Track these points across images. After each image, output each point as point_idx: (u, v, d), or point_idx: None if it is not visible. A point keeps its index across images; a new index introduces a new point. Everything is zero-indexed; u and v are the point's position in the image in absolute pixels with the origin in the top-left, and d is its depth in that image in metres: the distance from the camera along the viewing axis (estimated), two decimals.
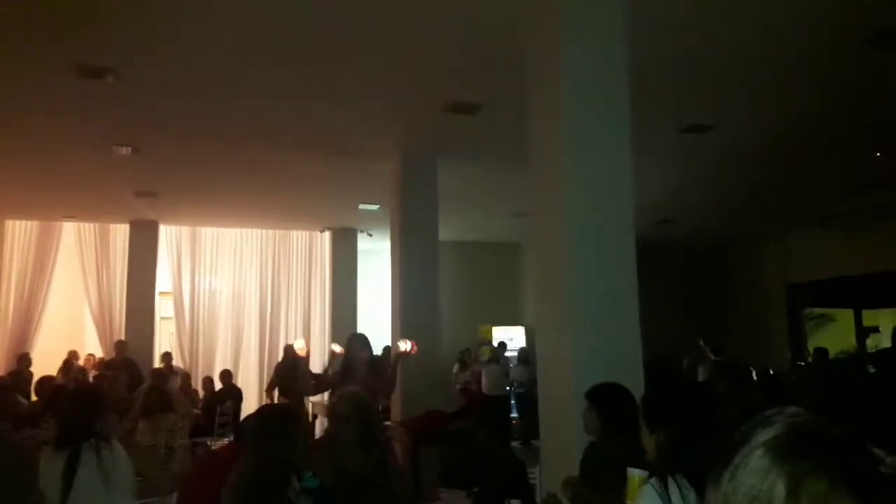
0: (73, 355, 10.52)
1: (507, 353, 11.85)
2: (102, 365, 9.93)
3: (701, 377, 8.94)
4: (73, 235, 11.36)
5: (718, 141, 7.07)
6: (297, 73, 5.50)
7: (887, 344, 8.19)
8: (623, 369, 3.42)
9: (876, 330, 11.25)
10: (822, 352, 9.45)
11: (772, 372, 8.29)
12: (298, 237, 12.72)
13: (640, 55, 3.99)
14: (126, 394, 7.74)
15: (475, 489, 3.27)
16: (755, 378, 5.08)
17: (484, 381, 10.99)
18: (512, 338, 12.83)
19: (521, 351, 11.72)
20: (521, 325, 13.18)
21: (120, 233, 11.49)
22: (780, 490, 0.73)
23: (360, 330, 11.80)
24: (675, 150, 7.44)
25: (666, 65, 5.24)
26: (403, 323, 7.65)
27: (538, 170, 4.13)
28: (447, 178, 7.89)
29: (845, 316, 11.85)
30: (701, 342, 9.43)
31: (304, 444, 2.88)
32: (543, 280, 4.02)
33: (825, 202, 9.75)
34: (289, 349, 9.52)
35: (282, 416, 2.96)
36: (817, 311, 12.31)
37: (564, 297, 3.72)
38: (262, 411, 3.23)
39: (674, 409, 2.29)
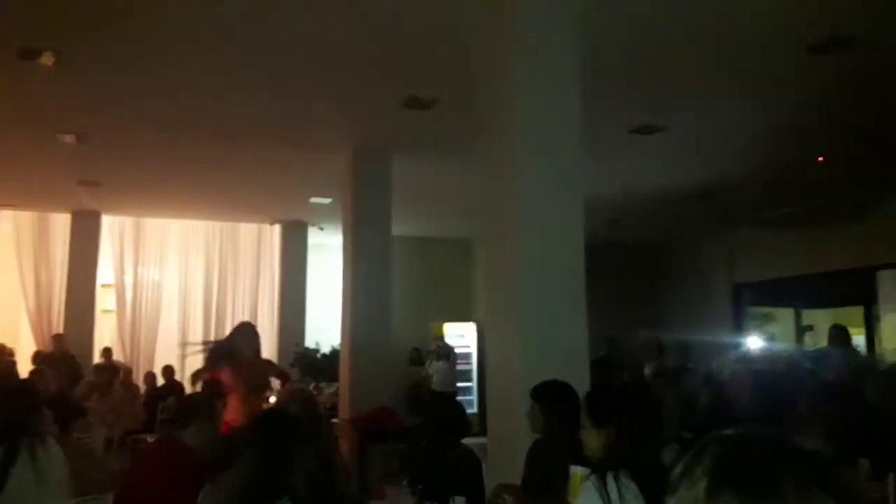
0: (9, 352, 10.08)
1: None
2: (38, 359, 9.56)
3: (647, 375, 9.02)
4: (9, 224, 10.94)
5: (667, 141, 7.20)
6: (249, 64, 5.39)
7: (824, 343, 8.44)
8: (569, 366, 3.45)
9: (810, 328, 11.61)
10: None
11: (713, 371, 8.39)
12: (247, 230, 12.46)
13: (591, 55, 4.02)
14: (65, 389, 7.48)
15: (419, 486, 3.26)
16: (701, 378, 5.16)
17: (434, 378, 10.99)
18: (463, 334, 12.83)
19: (444, 347, 11.42)
20: (473, 321, 13.21)
21: (60, 222, 11.10)
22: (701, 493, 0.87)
23: (309, 326, 11.70)
24: (625, 150, 7.54)
25: (617, 66, 5.30)
26: (354, 319, 7.58)
27: (489, 166, 4.15)
28: (400, 172, 7.83)
29: (785, 315, 12.20)
30: (658, 341, 9.35)
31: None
32: (493, 277, 4.04)
33: (769, 204, 10.03)
34: None
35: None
36: (762, 310, 12.62)
37: (512, 294, 3.73)
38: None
39: (621, 406, 2.31)
